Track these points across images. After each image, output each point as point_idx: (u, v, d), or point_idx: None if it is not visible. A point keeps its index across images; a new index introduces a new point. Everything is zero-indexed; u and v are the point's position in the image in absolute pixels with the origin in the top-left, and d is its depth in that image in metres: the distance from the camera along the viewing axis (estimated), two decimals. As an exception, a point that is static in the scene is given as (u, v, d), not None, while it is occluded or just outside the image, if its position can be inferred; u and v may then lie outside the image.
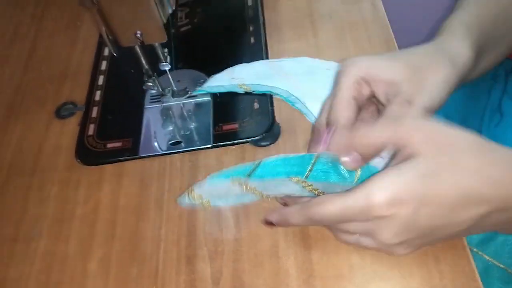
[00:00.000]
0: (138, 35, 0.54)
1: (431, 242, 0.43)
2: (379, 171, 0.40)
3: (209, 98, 0.64)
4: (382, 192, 0.37)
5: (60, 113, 0.67)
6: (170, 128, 0.62)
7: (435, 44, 0.48)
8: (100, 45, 0.74)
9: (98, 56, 0.72)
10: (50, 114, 0.67)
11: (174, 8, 0.55)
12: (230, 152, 0.59)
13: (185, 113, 0.64)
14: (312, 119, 0.58)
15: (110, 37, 0.56)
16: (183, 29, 0.72)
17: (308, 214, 0.42)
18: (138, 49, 0.58)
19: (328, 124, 0.47)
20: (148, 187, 0.58)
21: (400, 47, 0.63)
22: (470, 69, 0.47)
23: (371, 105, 0.50)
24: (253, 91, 0.61)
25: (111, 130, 0.63)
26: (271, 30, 0.70)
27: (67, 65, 0.73)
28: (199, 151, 0.60)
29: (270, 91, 0.61)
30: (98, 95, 0.67)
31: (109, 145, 0.62)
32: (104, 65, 0.71)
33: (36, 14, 0.81)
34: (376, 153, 0.41)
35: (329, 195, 0.40)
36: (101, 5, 0.52)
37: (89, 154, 0.61)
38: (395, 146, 0.40)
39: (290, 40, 0.69)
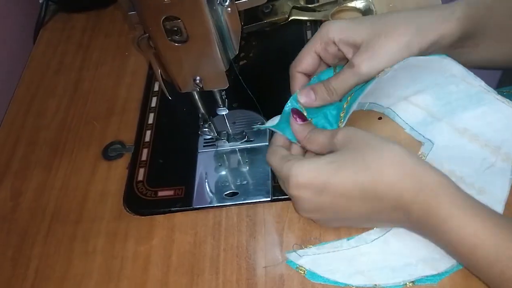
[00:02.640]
0: (198, 81, 0.50)
1: (342, 223, 0.50)
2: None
3: (266, 143, 0.59)
4: (294, 176, 0.45)
5: (108, 153, 0.63)
6: (226, 176, 0.58)
7: (411, 12, 0.51)
8: (150, 78, 0.70)
9: (148, 91, 0.68)
10: (97, 154, 0.63)
11: (237, 53, 0.50)
12: (291, 207, 0.53)
13: (241, 160, 0.59)
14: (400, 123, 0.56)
15: (166, 79, 0.52)
16: (239, 63, 0.67)
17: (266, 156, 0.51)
18: (195, 93, 0.53)
19: (291, 69, 0.55)
20: (202, 244, 0.53)
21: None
22: (454, 41, 0.50)
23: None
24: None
25: (163, 176, 0.59)
26: (334, 67, 0.65)
27: (114, 100, 0.69)
28: (257, 204, 0.55)
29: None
30: (148, 135, 0.63)
31: (161, 193, 0.57)
32: (154, 101, 0.67)
33: (83, 43, 0.78)
34: (322, 150, 0.49)
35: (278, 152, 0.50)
36: (159, 50, 0.47)
37: (138, 202, 0.57)
38: (330, 147, 0.48)
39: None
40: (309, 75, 0.56)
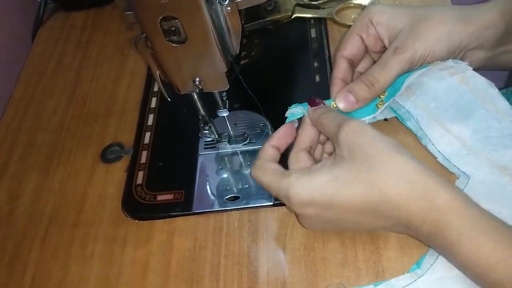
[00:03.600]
0: (197, 82, 0.48)
1: (343, 228, 0.48)
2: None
3: (269, 145, 0.57)
4: (296, 195, 0.43)
5: (106, 156, 0.61)
6: (227, 179, 0.56)
7: (456, 6, 0.51)
8: (149, 78, 0.68)
9: (147, 92, 0.67)
10: (95, 156, 0.61)
11: (237, 53, 0.48)
12: (294, 213, 0.52)
13: (243, 163, 0.57)
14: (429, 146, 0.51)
15: (164, 80, 0.50)
16: (240, 63, 0.66)
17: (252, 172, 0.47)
18: (195, 95, 0.52)
19: (335, 54, 0.54)
20: (202, 250, 0.51)
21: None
22: (497, 35, 0.49)
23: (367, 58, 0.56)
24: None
25: (162, 180, 0.57)
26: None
27: (113, 100, 0.67)
28: (259, 208, 0.53)
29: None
30: (147, 137, 0.62)
31: (160, 197, 0.56)
32: (153, 102, 0.65)
33: (82, 42, 0.76)
34: (328, 136, 0.47)
35: (269, 167, 0.46)
36: (157, 50, 0.46)
37: (137, 206, 0.56)
38: (335, 140, 0.44)
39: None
40: (352, 63, 0.54)
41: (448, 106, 0.51)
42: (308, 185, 0.42)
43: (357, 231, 0.49)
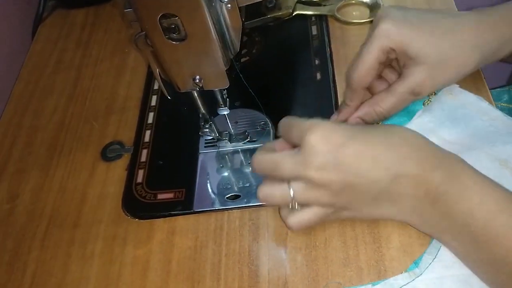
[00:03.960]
0: (197, 80, 0.48)
1: (350, 205, 0.45)
2: None
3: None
4: (315, 129, 0.42)
5: (106, 154, 0.61)
6: (227, 178, 0.56)
7: (476, 19, 0.49)
8: (150, 76, 0.68)
9: (148, 90, 0.66)
10: (95, 155, 0.61)
11: (238, 51, 0.48)
12: (296, 211, 0.51)
13: (244, 161, 0.57)
14: None
15: (164, 78, 0.50)
16: (241, 60, 0.65)
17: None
18: (195, 93, 0.51)
19: (355, 83, 0.51)
20: (203, 249, 0.51)
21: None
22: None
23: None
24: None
25: (162, 178, 0.57)
26: (340, 64, 0.63)
27: (114, 98, 0.67)
28: (260, 207, 0.53)
29: None
30: (147, 135, 0.61)
31: (160, 196, 0.55)
32: (154, 100, 0.65)
33: (82, 39, 0.76)
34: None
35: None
36: (157, 48, 0.45)
37: (137, 205, 0.55)
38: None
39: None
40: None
41: (444, 118, 0.52)
42: (329, 124, 0.43)
43: (357, 207, 0.45)
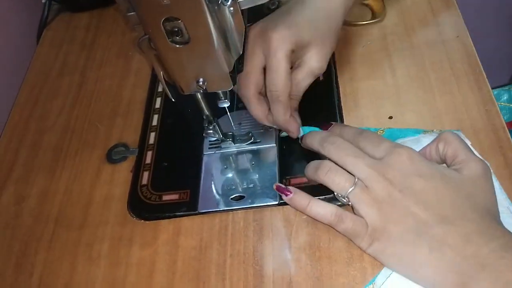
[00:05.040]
0: (201, 82, 0.48)
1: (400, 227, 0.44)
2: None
3: (273, 144, 0.57)
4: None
5: (111, 156, 0.61)
6: (232, 179, 0.56)
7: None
8: (154, 79, 0.68)
9: (152, 92, 0.67)
10: (101, 157, 0.62)
11: (241, 53, 0.48)
12: (299, 212, 0.52)
13: (248, 162, 0.57)
14: None
15: (168, 81, 0.50)
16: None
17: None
18: (198, 95, 0.52)
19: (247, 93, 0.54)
20: (208, 250, 0.52)
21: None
22: None
23: None
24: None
25: (167, 180, 0.58)
26: (342, 65, 0.63)
27: (118, 101, 0.68)
28: (264, 208, 0.53)
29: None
30: (152, 137, 0.62)
31: (165, 197, 0.56)
32: (158, 102, 0.65)
33: (86, 43, 0.76)
34: None
35: None
36: (160, 52, 0.46)
37: (143, 207, 0.56)
38: None
39: (364, 78, 0.61)
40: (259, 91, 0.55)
41: None
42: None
43: (405, 246, 0.43)
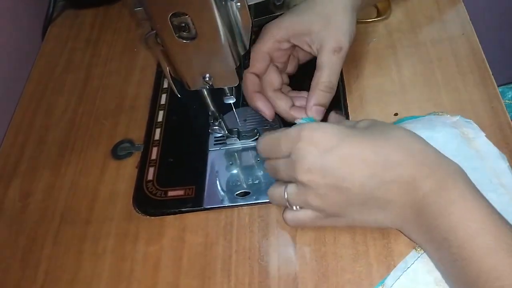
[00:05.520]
0: (207, 78, 0.48)
1: (338, 210, 0.45)
2: None
3: (279, 140, 0.57)
4: (308, 131, 0.44)
5: (117, 152, 0.61)
6: (237, 175, 0.56)
7: None
8: (159, 75, 0.68)
9: (157, 88, 0.67)
10: (106, 153, 0.62)
11: (247, 49, 0.48)
12: (305, 207, 0.52)
13: (253, 158, 0.57)
14: None
15: (174, 76, 0.51)
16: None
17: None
18: (204, 91, 0.52)
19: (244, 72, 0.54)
20: (214, 245, 0.52)
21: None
22: None
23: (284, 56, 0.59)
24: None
25: (173, 175, 0.58)
26: (347, 62, 0.62)
27: (123, 97, 0.68)
28: (269, 204, 0.53)
29: None
30: (157, 133, 0.62)
31: (171, 193, 0.56)
32: (163, 98, 0.65)
33: (91, 39, 0.77)
34: None
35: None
36: (167, 47, 0.46)
37: (148, 203, 0.56)
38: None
39: (370, 76, 0.61)
40: (259, 76, 0.57)
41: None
42: (322, 127, 0.44)
43: (344, 213, 0.45)
